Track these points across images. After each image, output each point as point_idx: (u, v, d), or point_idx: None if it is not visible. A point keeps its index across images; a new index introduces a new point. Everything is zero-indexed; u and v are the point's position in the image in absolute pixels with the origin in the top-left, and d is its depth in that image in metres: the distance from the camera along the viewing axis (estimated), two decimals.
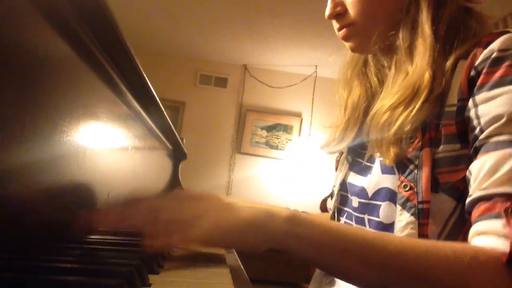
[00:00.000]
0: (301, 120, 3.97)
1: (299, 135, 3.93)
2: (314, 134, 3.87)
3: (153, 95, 0.90)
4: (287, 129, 3.97)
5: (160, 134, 1.26)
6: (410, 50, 0.62)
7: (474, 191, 0.50)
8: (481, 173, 0.50)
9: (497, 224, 0.46)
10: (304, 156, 3.67)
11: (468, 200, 0.51)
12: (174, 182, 1.64)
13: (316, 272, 0.81)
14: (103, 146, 0.69)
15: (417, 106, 0.57)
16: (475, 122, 0.53)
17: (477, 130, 0.53)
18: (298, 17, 2.94)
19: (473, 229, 0.49)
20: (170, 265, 0.48)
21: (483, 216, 0.48)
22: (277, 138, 3.96)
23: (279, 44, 3.48)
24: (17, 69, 0.39)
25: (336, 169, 0.79)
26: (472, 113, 0.54)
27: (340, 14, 0.67)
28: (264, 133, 3.96)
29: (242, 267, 0.55)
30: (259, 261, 3.24)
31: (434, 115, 0.57)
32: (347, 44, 0.70)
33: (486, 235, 0.47)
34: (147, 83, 0.82)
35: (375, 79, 0.73)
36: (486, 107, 0.52)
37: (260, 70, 3.98)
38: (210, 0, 2.90)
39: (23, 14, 0.40)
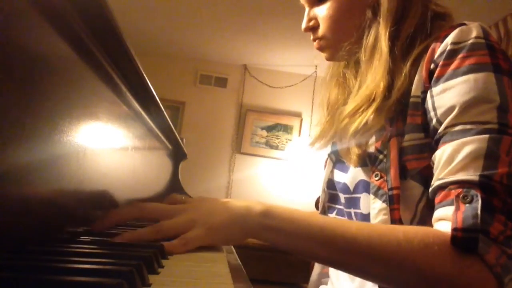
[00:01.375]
0: (301, 120, 3.98)
1: (299, 135, 3.93)
2: (314, 134, 3.87)
3: (153, 95, 0.90)
4: (287, 129, 3.97)
5: (160, 134, 1.26)
6: (370, 63, 0.66)
7: (434, 181, 0.54)
8: (440, 163, 0.54)
9: (450, 210, 0.50)
10: (304, 156, 3.67)
11: (430, 189, 0.55)
12: (174, 182, 1.64)
13: (312, 276, 0.82)
14: (103, 146, 0.69)
15: (369, 113, 0.61)
16: (432, 113, 0.57)
17: (435, 121, 0.57)
18: (298, 17, 2.93)
19: (434, 216, 0.53)
20: (170, 265, 0.48)
21: (441, 203, 0.52)
22: (277, 138, 3.96)
23: (279, 44, 3.48)
24: (17, 69, 0.39)
25: (325, 168, 0.82)
26: (429, 105, 0.58)
27: (314, 27, 0.74)
28: (264, 133, 3.96)
29: (242, 267, 0.55)
30: (259, 261, 3.24)
31: (390, 117, 0.61)
32: (322, 54, 0.77)
33: (442, 221, 0.52)
34: (147, 83, 0.82)
35: (354, 80, 0.76)
36: (441, 99, 0.56)
37: (260, 70, 3.99)
38: (210, 1, 2.90)
39: (23, 14, 0.40)
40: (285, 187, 3.83)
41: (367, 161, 0.63)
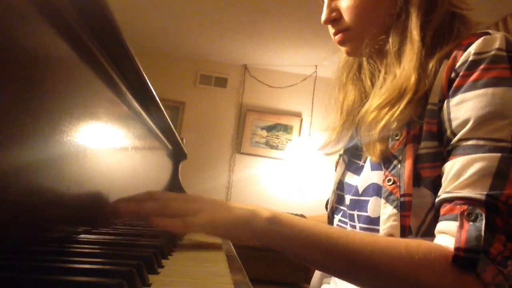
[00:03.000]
0: (301, 120, 3.97)
1: (299, 135, 3.93)
2: (314, 134, 3.87)
3: (153, 95, 0.90)
4: (287, 129, 3.97)
5: (160, 134, 1.26)
6: (399, 54, 0.64)
7: (441, 192, 0.54)
8: (448, 176, 0.53)
9: (453, 225, 0.51)
10: (304, 156, 3.67)
11: (436, 200, 0.55)
12: (174, 182, 1.64)
13: (314, 276, 0.82)
14: (103, 146, 0.69)
15: (401, 107, 0.60)
16: (447, 124, 0.56)
17: (449, 132, 0.56)
18: (298, 17, 2.94)
19: (437, 228, 0.54)
20: (170, 265, 0.48)
21: (444, 216, 0.52)
22: (277, 138, 3.96)
23: (279, 44, 3.48)
24: (17, 69, 0.39)
25: (336, 169, 0.81)
26: (445, 115, 0.57)
27: (335, 19, 0.70)
28: (264, 133, 3.96)
29: (242, 267, 0.55)
30: (259, 261, 3.24)
31: (417, 115, 0.60)
32: (343, 48, 0.73)
33: (444, 234, 0.52)
34: (147, 83, 0.82)
35: (369, 83, 0.76)
36: (457, 111, 0.55)
37: (260, 70, 3.98)
38: (210, 1, 2.90)
39: (23, 14, 0.40)
40: (285, 187, 3.83)
41: (381, 165, 0.63)
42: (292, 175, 3.81)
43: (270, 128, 3.97)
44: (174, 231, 0.62)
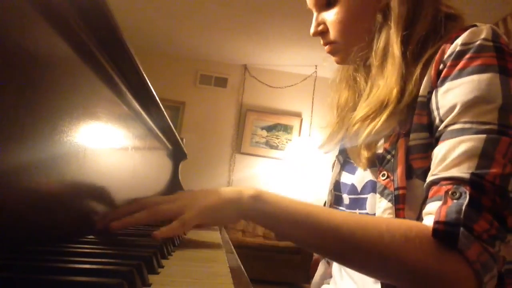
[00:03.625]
0: (301, 120, 3.98)
1: (299, 135, 3.93)
2: (314, 134, 3.87)
3: (153, 95, 0.90)
4: (287, 129, 3.98)
5: (160, 134, 1.26)
6: (381, 68, 0.65)
7: (429, 177, 0.55)
8: (436, 160, 0.54)
9: (438, 205, 0.51)
10: (304, 156, 3.67)
11: (424, 185, 0.56)
12: (174, 182, 1.64)
13: (315, 277, 0.83)
14: (103, 146, 0.69)
15: (382, 119, 0.61)
16: (435, 113, 0.58)
17: (437, 121, 0.57)
18: (298, 17, 2.94)
19: (424, 210, 0.54)
20: (170, 265, 0.48)
21: (431, 198, 0.53)
22: (277, 138, 3.96)
23: (279, 44, 3.48)
24: (17, 69, 0.39)
25: (332, 170, 0.81)
26: (433, 105, 0.58)
27: (322, 32, 0.74)
28: (264, 133, 3.96)
29: (242, 267, 0.55)
30: (259, 261, 3.24)
31: (403, 122, 0.61)
32: (333, 58, 0.76)
33: (429, 215, 0.52)
34: (147, 83, 0.82)
35: (364, 83, 0.76)
36: (445, 99, 0.56)
37: (260, 70, 3.99)
38: (210, 1, 2.90)
39: (23, 14, 0.40)
40: (284, 187, 3.83)
41: (376, 162, 0.64)
42: (292, 175, 3.81)
43: (270, 128, 3.97)
44: (174, 235, 0.64)
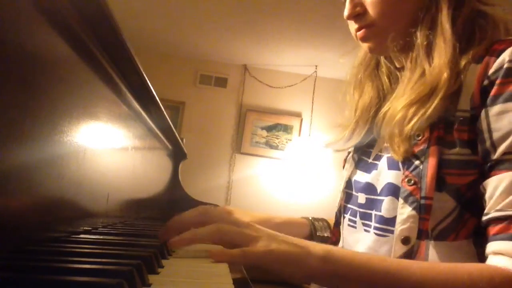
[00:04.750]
0: (301, 120, 3.97)
1: (299, 135, 3.93)
2: (314, 134, 3.87)
3: (153, 95, 0.90)
4: (287, 129, 3.97)
5: (160, 134, 1.26)
6: (429, 49, 0.61)
7: (490, 210, 0.52)
8: (496, 192, 0.51)
9: (510, 245, 0.49)
10: (304, 156, 3.67)
11: (484, 218, 0.53)
12: (174, 182, 1.64)
13: None
14: (103, 146, 0.69)
15: (433, 105, 0.57)
16: (486, 135, 0.54)
17: (488, 144, 0.54)
18: (298, 17, 2.93)
19: (489, 247, 0.51)
20: (170, 265, 0.48)
21: (498, 236, 0.50)
22: (277, 138, 3.96)
23: (279, 44, 3.48)
24: (17, 69, 0.39)
25: (344, 168, 0.81)
26: (484, 125, 0.54)
27: (359, 14, 0.67)
28: (264, 133, 3.96)
29: (242, 267, 0.55)
30: None
31: (445, 113, 0.58)
32: (365, 45, 0.70)
33: (501, 256, 0.50)
34: (147, 83, 0.82)
35: (387, 80, 0.74)
36: (499, 122, 0.53)
37: (260, 70, 3.98)
38: (210, 0, 2.90)
39: (23, 14, 0.40)
40: (285, 187, 3.83)
41: (399, 164, 0.61)
42: (292, 175, 3.81)
43: (270, 128, 3.97)
44: (229, 262, 0.58)
